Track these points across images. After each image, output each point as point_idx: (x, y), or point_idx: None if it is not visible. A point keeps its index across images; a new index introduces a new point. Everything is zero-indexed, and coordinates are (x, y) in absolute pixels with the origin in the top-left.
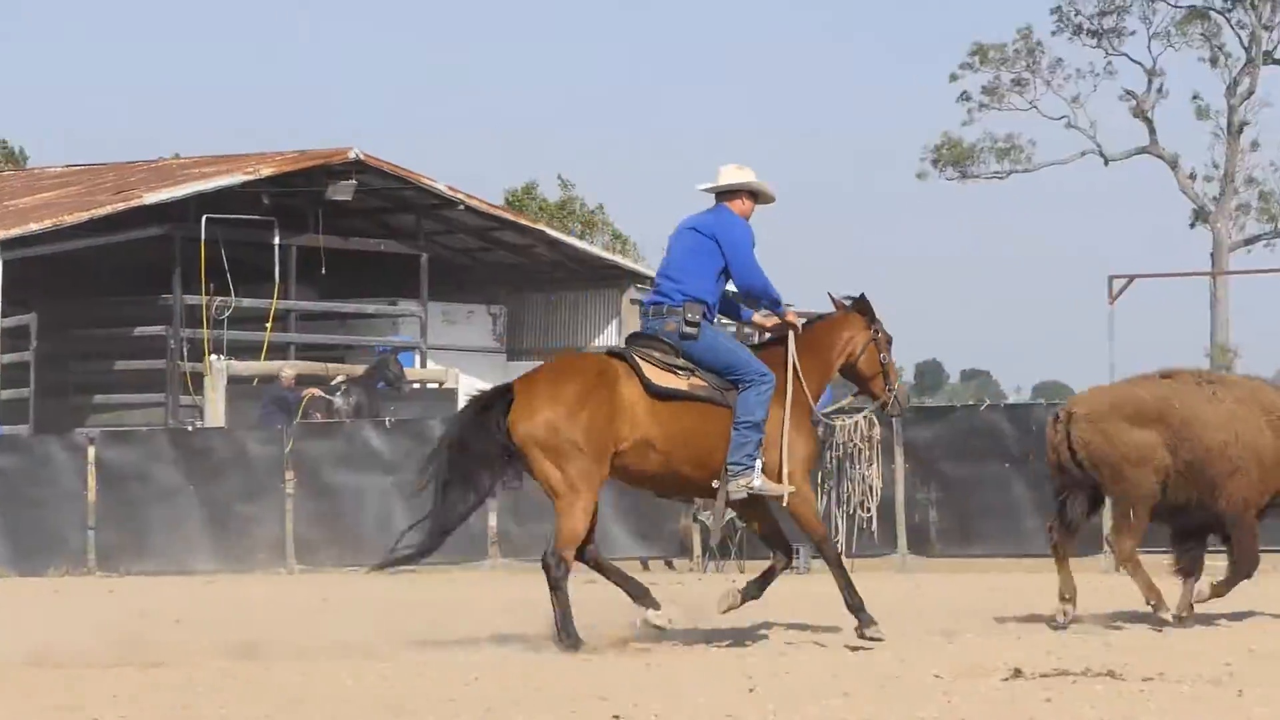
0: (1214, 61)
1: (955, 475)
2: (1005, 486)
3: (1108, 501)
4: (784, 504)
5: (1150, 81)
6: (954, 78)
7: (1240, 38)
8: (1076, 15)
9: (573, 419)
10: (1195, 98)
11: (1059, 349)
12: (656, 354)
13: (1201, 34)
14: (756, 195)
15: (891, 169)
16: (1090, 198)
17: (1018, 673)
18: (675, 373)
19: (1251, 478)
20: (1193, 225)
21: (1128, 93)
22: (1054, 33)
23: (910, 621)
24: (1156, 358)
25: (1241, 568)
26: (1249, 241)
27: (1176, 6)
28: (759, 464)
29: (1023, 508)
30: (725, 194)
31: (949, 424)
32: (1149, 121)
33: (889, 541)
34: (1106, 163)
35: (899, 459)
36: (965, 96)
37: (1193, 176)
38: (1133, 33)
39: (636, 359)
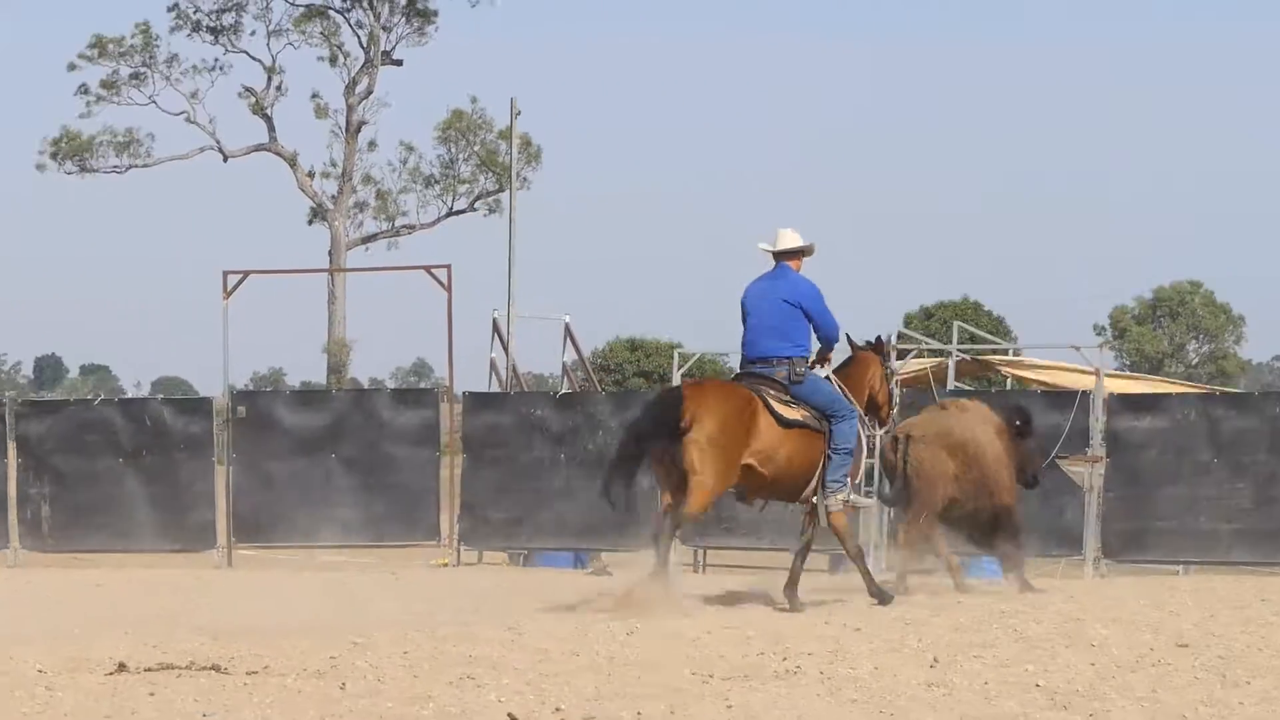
0: (333, 60)
1: (68, 470)
2: (119, 481)
3: None
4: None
5: (270, 79)
6: (73, 68)
7: (360, 38)
8: (196, 12)
9: (727, 430)
10: (315, 96)
11: (178, 344)
12: (772, 390)
13: (321, 33)
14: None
15: (8, 161)
16: (209, 193)
17: (122, 667)
18: (790, 406)
19: (1006, 479)
20: (311, 222)
21: (247, 90)
22: (173, 29)
23: (19, 618)
24: (273, 353)
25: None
26: (367, 239)
27: (295, 4)
28: (849, 481)
29: (136, 503)
30: (784, 254)
31: (62, 418)
32: (268, 119)
33: (1, 536)
34: (226, 159)
35: (12, 453)
36: (84, 89)
37: (311, 174)
38: (252, 31)
39: (765, 393)
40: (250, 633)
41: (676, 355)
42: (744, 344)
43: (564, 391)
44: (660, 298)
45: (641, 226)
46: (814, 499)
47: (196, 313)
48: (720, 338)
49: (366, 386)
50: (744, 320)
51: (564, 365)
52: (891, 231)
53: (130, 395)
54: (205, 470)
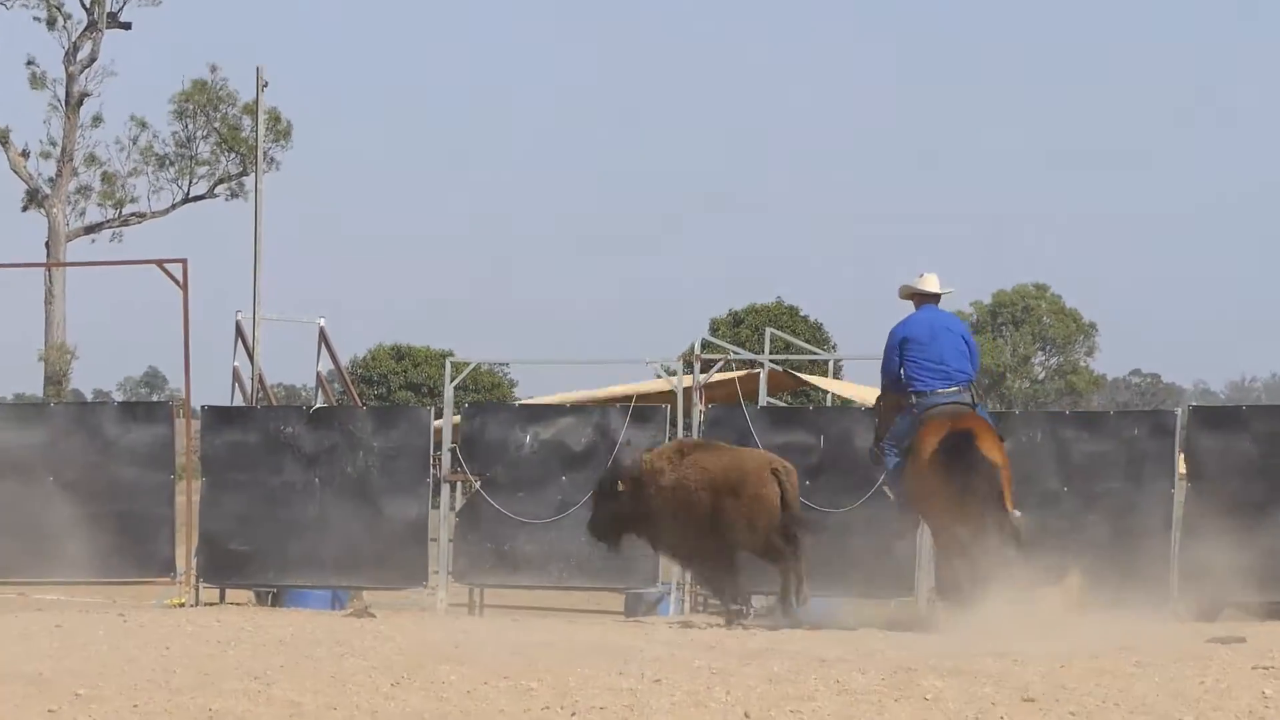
0: (51, 23)
1: None
2: None
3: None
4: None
5: None
6: None
7: None
8: None
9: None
10: (30, 63)
11: None
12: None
13: None
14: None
15: None
16: None
17: None
18: None
19: None
20: (25, 209)
21: None
22: None
23: None
24: None
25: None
26: (91, 229)
27: None
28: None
29: None
30: (932, 296)
31: None
32: None
33: None
34: None
35: None
36: None
37: (26, 154)
38: None
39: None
40: None
41: (449, 364)
42: (921, 373)
43: (318, 406)
44: (429, 300)
45: (409, 218)
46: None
47: None
48: (497, 345)
49: (90, 399)
50: (910, 351)
51: (319, 375)
52: (696, 228)
53: None
54: None
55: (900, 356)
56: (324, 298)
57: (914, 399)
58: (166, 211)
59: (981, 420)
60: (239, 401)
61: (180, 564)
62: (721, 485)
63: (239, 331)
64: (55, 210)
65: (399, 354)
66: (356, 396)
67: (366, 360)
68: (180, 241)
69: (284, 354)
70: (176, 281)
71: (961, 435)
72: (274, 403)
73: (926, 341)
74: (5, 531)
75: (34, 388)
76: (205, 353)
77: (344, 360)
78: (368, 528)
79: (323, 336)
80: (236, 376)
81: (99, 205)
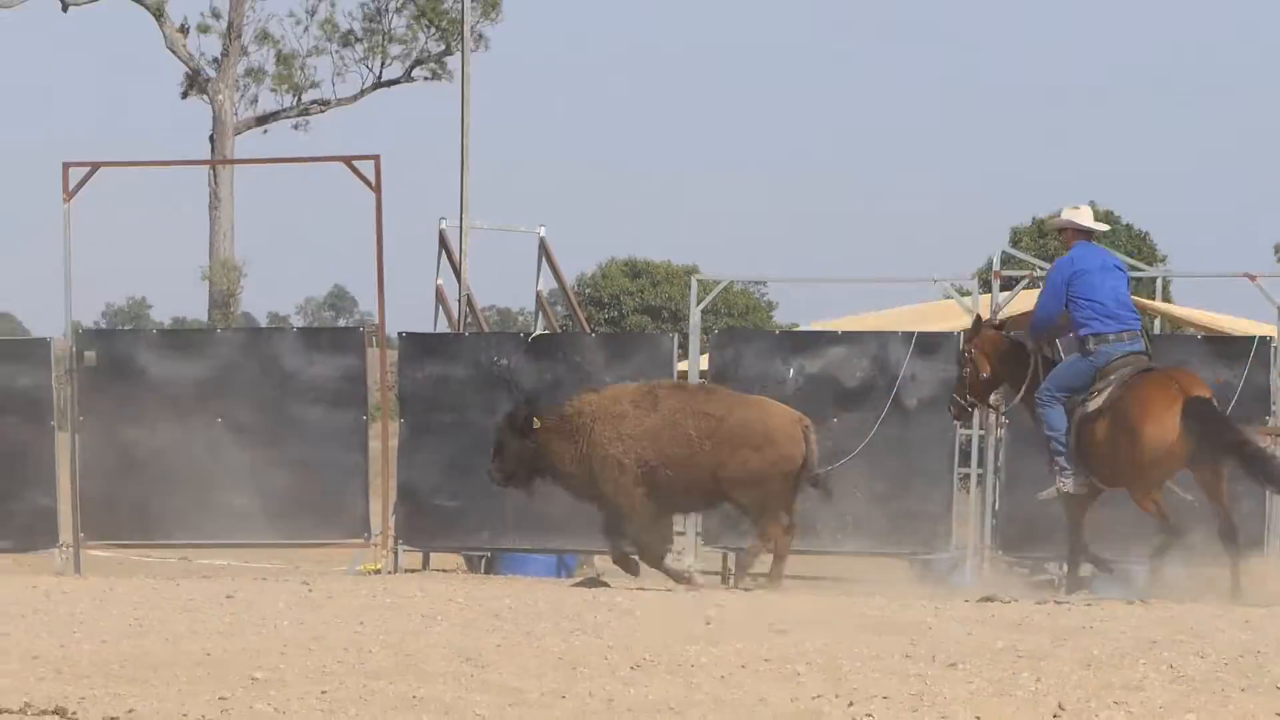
0: None
1: None
2: None
3: None
4: None
5: None
6: None
7: None
8: None
9: None
10: None
11: (2, 265)
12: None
13: None
14: None
15: None
16: (43, 56)
17: None
18: None
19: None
20: (185, 95)
21: None
22: None
23: None
24: (133, 277)
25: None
26: (264, 119)
27: None
28: None
29: None
30: (1087, 232)
31: None
32: None
33: None
34: (66, 7)
35: None
36: None
37: (185, 29)
38: None
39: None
40: (108, 664)
41: (694, 283)
42: (1097, 317)
43: (539, 332)
44: (669, 206)
45: (642, 108)
46: None
47: (28, 221)
48: (747, 259)
49: (264, 325)
50: (1079, 290)
51: (539, 296)
52: (994, 121)
53: None
54: (41, 439)
55: (1067, 294)
56: (544, 203)
57: (1091, 344)
58: (354, 99)
59: (1207, 387)
60: (443, 327)
61: (375, 523)
62: (739, 438)
63: (443, 243)
64: (221, 97)
65: (634, 270)
66: (584, 321)
67: (595, 278)
68: (371, 135)
69: (497, 270)
70: (368, 182)
71: (1203, 403)
72: (485, 328)
73: (1099, 281)
74: (165, 485)
75: (198, 311)
76: (402, 269)
77: (569, 278)
78: None
79: (543, 249)
80: (440, 296)
81: (273, 91)
